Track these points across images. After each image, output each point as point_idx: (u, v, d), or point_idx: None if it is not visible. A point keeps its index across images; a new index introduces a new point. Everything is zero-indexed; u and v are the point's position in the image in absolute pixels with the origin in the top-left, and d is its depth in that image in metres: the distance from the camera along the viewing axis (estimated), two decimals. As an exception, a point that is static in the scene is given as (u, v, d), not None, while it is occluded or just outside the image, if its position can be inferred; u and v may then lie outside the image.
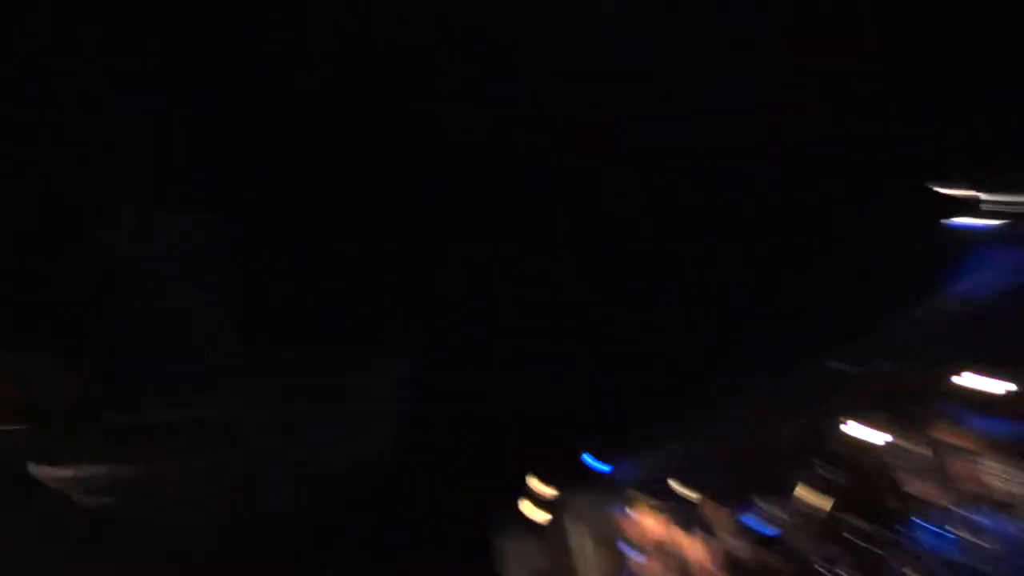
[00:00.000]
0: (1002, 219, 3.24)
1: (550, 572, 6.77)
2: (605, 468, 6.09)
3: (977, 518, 3.56)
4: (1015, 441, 2.87)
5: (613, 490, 6.67)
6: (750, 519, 6.03)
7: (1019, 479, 2.81)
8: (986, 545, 3.67)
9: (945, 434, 3.11)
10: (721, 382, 4.92)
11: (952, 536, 4.02)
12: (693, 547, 4.47)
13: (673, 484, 6.59)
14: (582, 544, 6.52)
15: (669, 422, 5.58)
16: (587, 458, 6.21)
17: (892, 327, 4.17)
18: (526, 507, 6.30)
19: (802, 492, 5.65)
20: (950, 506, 4.25)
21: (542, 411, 5.69)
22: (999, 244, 3.33)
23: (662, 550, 5.28)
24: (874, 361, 4.87)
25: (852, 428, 5.37)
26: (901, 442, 5.33)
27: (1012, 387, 3.15)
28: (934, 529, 4.25)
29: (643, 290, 4.61)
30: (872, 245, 3.77)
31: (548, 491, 6.24)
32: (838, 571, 4.87)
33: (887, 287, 3.97)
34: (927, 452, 5.01)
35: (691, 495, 6.51)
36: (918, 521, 4.71)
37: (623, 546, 5.74)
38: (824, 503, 5.32)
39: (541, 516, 6.26)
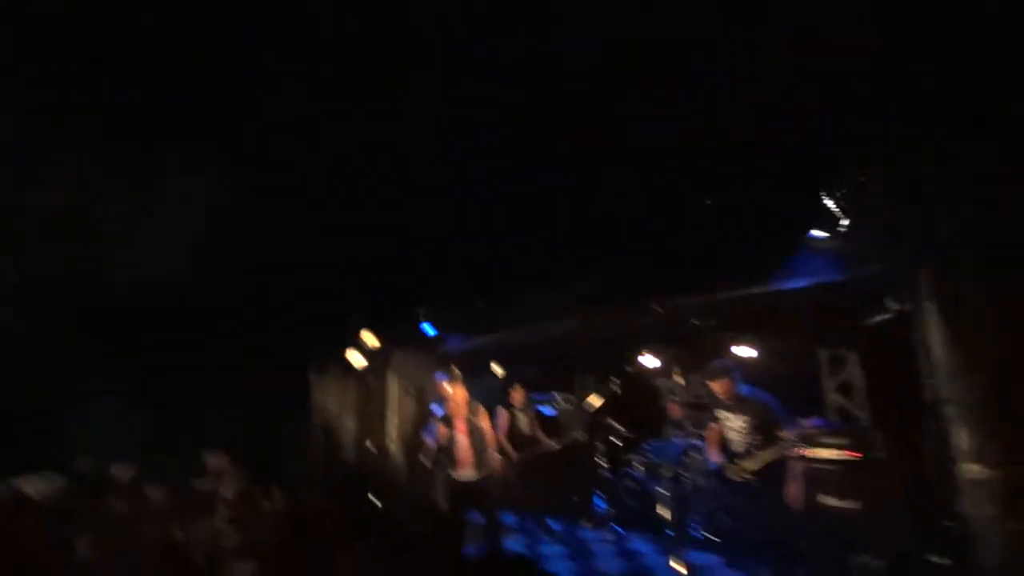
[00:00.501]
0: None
1: (357, 410, 7.31)
2: (433, 334, 6.42)
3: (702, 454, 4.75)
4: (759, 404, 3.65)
5: (437, 356, 7.19)
6: (543, 406, 7.15)
7: (747, 436, 3.59)
8: (698, 479, 4.93)
9: (714, 383, 3.86)
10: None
11: (680, 459, 5.32)
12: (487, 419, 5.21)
13: (493, 364, 7.37)
14: (396, 393, 7.09)
15: (499, 307, 5.94)
16: (423, 325, 6.44)
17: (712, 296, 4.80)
18: (351, 354, 6.46)
19: (586, 391, 6.80)
20: (690, 438, 5.59)
21: (381, 273, 5.67)
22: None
23: (461, 415, 5.95)
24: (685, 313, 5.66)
25: (645, 357, 6.42)
26: (678, 377, 6.62)
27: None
28: (674, 449, 5.59)
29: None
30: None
31: (374, 342, 6.44)
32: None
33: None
34: (694, 390, 6.38)
35: (500, 373, 7.39)
36: (662, 442, 6.15)
37: (433, 405, 6.33)
38: (597, 402, 6.48)
39: (362, 363, 6.52)
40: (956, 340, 2.95)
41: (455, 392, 4.52)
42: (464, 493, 4.27)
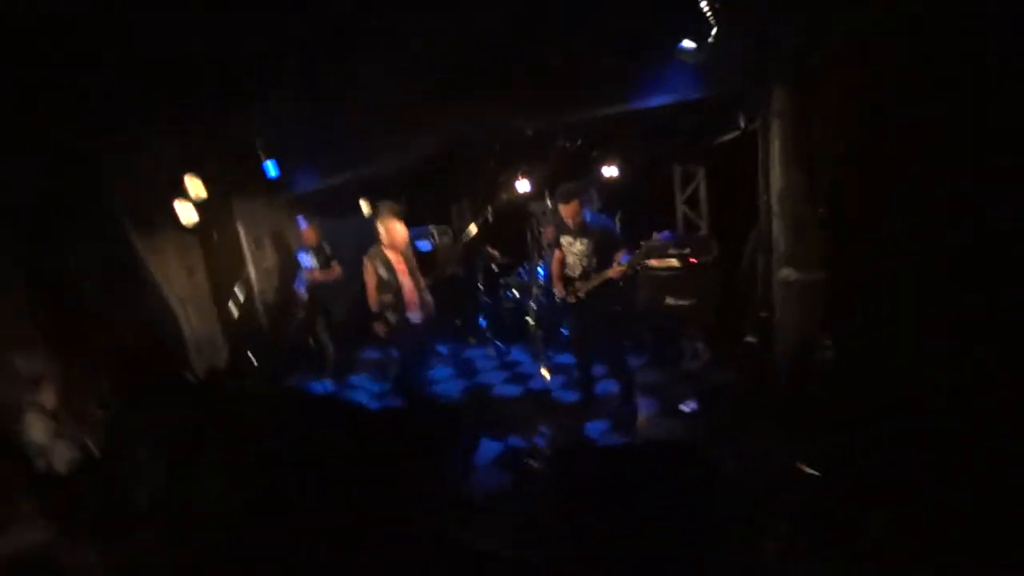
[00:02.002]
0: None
1: (207, 269, 6.49)
2: (277, 174, 5.55)
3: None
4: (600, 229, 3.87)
5: (288, 199, 6.38)
6: (419, 240, 6.98)
7: (584, 259, 3.85)
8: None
9: (564, 206, 3.90)
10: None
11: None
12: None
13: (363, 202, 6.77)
14: (249, 245, 6.34)
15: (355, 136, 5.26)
16: (264, 164, 5.49)
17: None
18: (181, 207, 5.40)
19: (463, 221, 6.73)
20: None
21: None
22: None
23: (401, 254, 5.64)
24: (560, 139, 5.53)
25: (519, 181, 6.34)
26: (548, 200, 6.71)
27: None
28: (544, 268, 5.95)
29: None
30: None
31: (202, 191, 5.40)
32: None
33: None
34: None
35: (367, 211, 6.90)
36: (534, 263, 6.48)
37: (300, 254, 5.83)
38: (474, 231, 6.50)
39: (191, 217, 5.51)
40: (793, 160, 3.23)
41: (396, 229, 4.06)
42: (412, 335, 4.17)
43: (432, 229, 7.10)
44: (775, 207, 3.34)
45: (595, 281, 3.66)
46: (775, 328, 3.39)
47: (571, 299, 3.83)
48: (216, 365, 6.39)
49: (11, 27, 2.94)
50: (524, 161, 6.14)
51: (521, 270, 6.35)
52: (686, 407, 3.54)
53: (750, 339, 3.83)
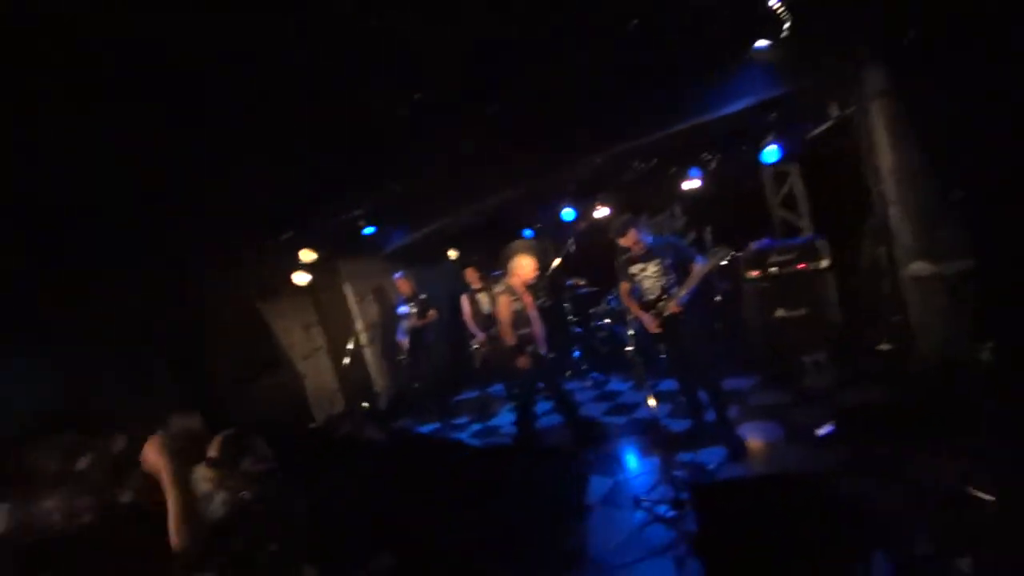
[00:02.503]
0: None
1: (320, 323, 7.13)
2: (373, 231, 6.02)
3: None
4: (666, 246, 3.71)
5: (384, 255, 6.88)
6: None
7: (662, 278, 3.68)
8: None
9: (623, 239, 3.76)
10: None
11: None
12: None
13: (449, 251, 7.13)
14: (354, 301, 6.89)
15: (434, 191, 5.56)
16: (363, 228, 6.01)
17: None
18: (295, 276, 6.05)
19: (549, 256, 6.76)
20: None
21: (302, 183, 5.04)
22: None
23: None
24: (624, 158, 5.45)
25: (596, 210, 6.30)
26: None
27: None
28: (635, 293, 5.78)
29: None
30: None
31: (312, 256, 6.00)
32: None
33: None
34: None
35: (454, 257, 7.22)
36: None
37: (398, 305, 6.21)
38: (555, 262, 6.50)
39: (305, 280, 6.13)
40: (898, 141, 2.89)
41: (527, 264, 4.05)
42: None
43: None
44: (891, 194, 2.98)
45: (677, 296, 3.52)
46: (913, 332, 2.96)
47: (658, 322, 3.67)
48: (333, 413, 6.90)
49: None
50: (598, 188, 6.13)
51: (611, 298, 6.22)
52: (823, 431, 3.13)
53: (884, 347, 3.37)
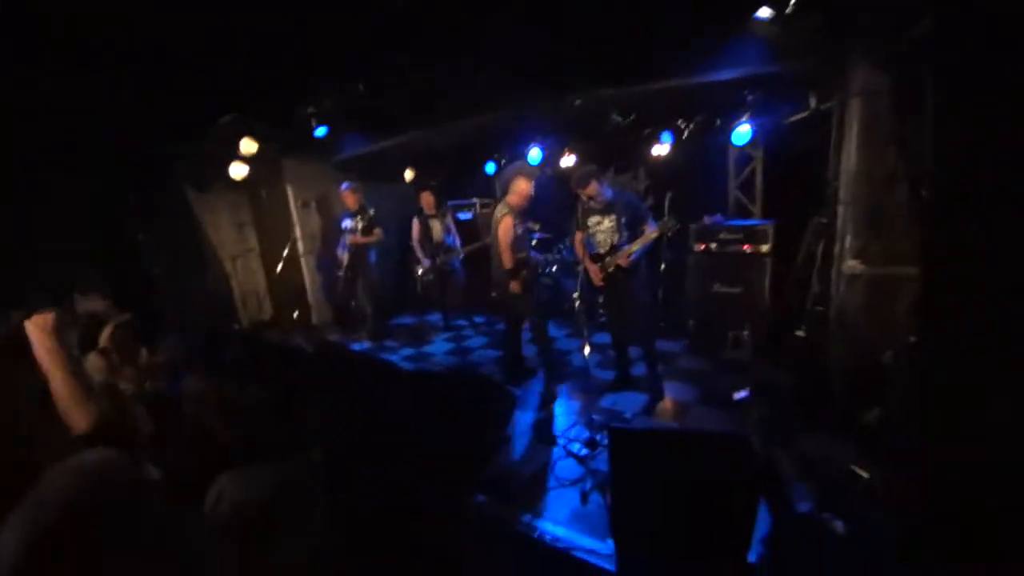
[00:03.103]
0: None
1: (255, 224, 6.68)
2: (323, 133, 5.58)
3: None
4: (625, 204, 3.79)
5: (334, 163, 6.43)
6: (462, 212, 6.97)
7: (614, 234, 3.78)
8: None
9: (586, 189, 3.76)
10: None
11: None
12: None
13: (407, 171, 6.78)
14: (296, 206, 6.47)
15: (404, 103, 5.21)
16: (315, 127, 5.54)
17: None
18: (233, 167, 5.54)
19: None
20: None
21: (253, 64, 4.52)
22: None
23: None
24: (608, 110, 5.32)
25: (564, 157, 6.18)
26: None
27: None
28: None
29: None
30: None
31: (253, 147, 5.51)
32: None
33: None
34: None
35: (410, 177, 6.90)
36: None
37: (342, 217, 5.92)
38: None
39: (242, 173, 5.66)
40: (870, 142, 2.99)
41: (527, 189, 3.91)
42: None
43: (476, 201, 7.05)
44: (844, 194, 3.12)
45: (626, 253, 3.62)
46: (830, 324, 3.21)
47: (603, 275, 3.77)
48: (260, 318, 6.63)
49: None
50: (570, 134, 5.98)
51: (562, 247, 6.25)
52: (739, 395, 3.40)
53: (800, 333, 3.66)
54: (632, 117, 5.42)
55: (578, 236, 3.97)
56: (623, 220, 3.74)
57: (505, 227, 3.84)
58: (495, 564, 2.31)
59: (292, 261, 6.30)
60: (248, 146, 5.50)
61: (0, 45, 2.97)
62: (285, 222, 6.42)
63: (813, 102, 4.03)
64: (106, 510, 0.86)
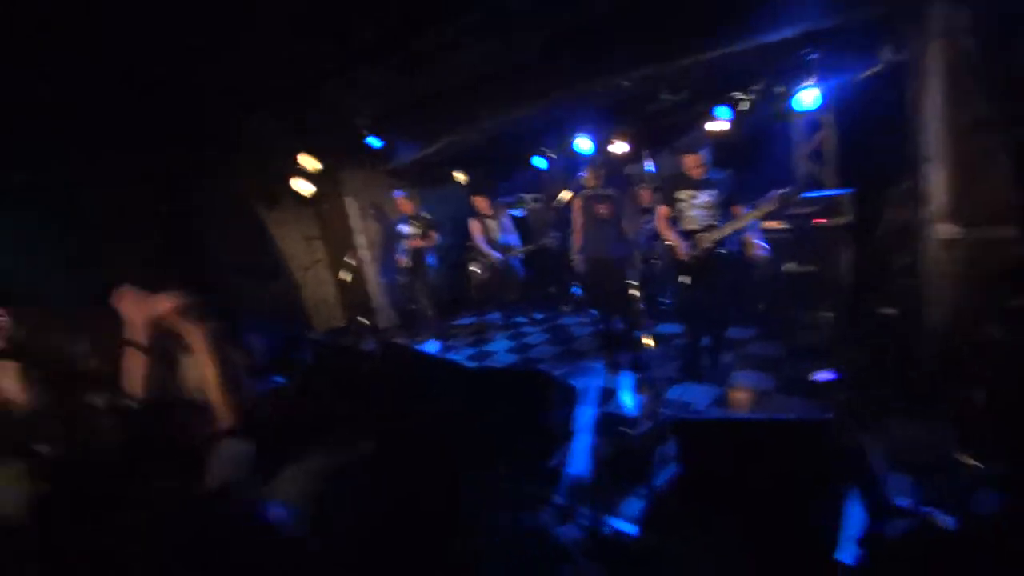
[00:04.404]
0: None
1: (321, 236, 7.05)
2: (379, 146, 5.79)
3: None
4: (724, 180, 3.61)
5: (388, 171, 6.64)
6: (513, 208, 6.98)
7: (710, 211, 3.59)
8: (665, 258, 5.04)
9: (687, 157, 3.64)
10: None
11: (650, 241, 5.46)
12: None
13: (455, 172, 6.90)
14: (357, 216, 6.75)
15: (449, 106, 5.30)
16: (367, 138, 5.75)
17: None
18: (296, 183, 5.89)
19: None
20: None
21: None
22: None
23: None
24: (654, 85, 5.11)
25: (613, 144, 6.01)
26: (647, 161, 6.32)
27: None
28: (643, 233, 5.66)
29: None
30: None
31: (316, 165, 5.83)
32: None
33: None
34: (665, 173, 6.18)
35: (462, 180, 7.00)
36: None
37: (399, 223, 6.10)
38: (567, 196, 6.35)
39: (309, 189, 6.01)
40: (957, 89, 2.65)
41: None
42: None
43: (525, 196, 7.04)
44: (929, 151, 2.79)
45: (722, 233, 3.45)
46: (923, 299, 2.88)
47: (694, 254, 3.58)
48: (333, 325, 7.00)
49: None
50: (620, 118, 5.80)
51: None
52: (821, 376, 3.13)
53: (887, 311, 3.32)
54: (684, 94, 5.16)
55: (662, 211, 3.79)
56: (721, 198, 3.54)
57: (579, 210, 4.31)
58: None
59: (356, 269, 6.58)
60: (310, 163, 5.83)
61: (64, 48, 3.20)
62: (347, 232, 6.72)
63: (887, 54, 3.64)
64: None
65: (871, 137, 4.11)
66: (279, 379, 3.09)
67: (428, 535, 1.51)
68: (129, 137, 4.28)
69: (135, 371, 1.36)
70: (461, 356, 5.51)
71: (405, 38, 4.17)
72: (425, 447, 2.30)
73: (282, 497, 1.18)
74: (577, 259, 5.24)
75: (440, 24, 3.98)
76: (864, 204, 3.97)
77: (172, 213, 5.03)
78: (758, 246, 3.54)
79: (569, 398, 3.26)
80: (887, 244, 3.43)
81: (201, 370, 1.37)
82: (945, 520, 1.44)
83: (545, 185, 7.46)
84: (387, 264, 6.79)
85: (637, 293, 5.14)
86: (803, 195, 4.45)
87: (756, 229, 3.60)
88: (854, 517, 1.59)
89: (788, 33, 3.57)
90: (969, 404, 2.16)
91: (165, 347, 1.43)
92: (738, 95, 5.00)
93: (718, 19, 3.73)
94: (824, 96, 4.34)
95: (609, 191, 5.20)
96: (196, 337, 1.39)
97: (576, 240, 5.21)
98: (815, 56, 4.15)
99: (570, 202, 5.27)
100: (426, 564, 1.28)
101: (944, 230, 2.65)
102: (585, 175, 4.98)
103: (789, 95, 4.51)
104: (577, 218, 5.15)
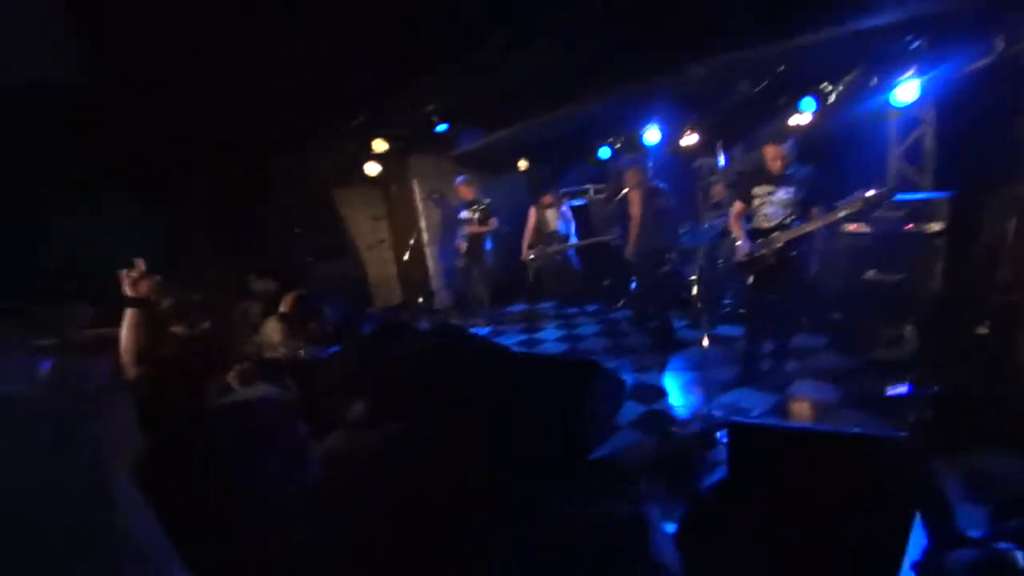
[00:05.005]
0: None
1: (387, 217, 7.32)
2: (445, 129, 5.91)
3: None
4: (807, 178, 3.37)
5: (454, 157, 6.76)
6: (576, 199, 6.93)
7: (788, 208, 3.39)
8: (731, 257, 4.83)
9: (768, 148, 3.43)
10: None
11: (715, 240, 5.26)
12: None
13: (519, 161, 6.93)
14: (421, 200, 6.95)
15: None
16: (436, 124, 5.89)
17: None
18: (368, 166, 6.15)
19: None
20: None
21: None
22: None
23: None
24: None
25: (685, 136, 5.80)
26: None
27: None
28: (711, 230, 5.45)
29: None
30: None
31: (384, 146, 6.03)
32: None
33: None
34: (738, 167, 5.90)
35: (524, 167, 7.02)
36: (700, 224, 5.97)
37: (461, 209, 6.22)
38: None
39: (377, 170, 6.25)
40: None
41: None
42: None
43: (589, 188, 6.95)
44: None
45: (796, 232, 3.26)
46: (1022, 320, 2.59)
47: (763, 253, 3.41)
48: (391, 303, 7.29)
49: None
50: (693, 108, 5.57)
51: (683, 231, 5.88)
52: (896, 391, 2.90)
53: (983, 330, 3.01)
54: (764, 83, 4.87)
55: (738, 207, 3.63)
56: (799, 196, 3.33)
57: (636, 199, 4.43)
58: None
59: (418, 251, 6.79)
60: (379, 145, 6.05)
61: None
62: (412, 214, 6.94)
63: (1000, 44, 3.25)
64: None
65: (976, 137, 3.69)
66: (338, 348, 3.30)
67: (464, 518, 1.56)
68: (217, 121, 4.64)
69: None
70: (511, 341, 5.57)
71: (479, 35, 4.22)
72: (468, 429, 2.37)
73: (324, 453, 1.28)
74: (631, 251, 5.16)
75: (509, 25, 3.98)
76: (962, 210, 3.60)
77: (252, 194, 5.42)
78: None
79: (617, 391, 3.24)
80: (986, 256, 3.09)
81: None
82: (1020, 558, 1.30)
83: (611, 176, 7.32)
84: (446, 248, 6.96)
85: (695, 290, 4.99)
86: (895, 197, 4.11)
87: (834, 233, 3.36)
88: (919, 543, 1.48)
89: (888, 18, 3.27)
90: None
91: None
92: (827, 86, 4.66)
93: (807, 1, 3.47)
94: (925, 90, 3.95)
95: (662, 185, 5.11)
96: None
97: (632, 233, 5.12)
98: (917, 45, 3.78)
99: (626, 195, 5.18)
100: (461, 544, 1.33)
101: (1057, 243, 2.36)
102: (634, 168, 4.97)
103: (886, 88, 4.14)
104: (636, 211, 5.05)
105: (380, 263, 7.30)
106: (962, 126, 4.01)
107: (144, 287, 1.85)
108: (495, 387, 2.85)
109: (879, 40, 3.61)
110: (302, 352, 2.92)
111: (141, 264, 1.86)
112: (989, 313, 3.01)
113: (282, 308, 3.08)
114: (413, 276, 7.07)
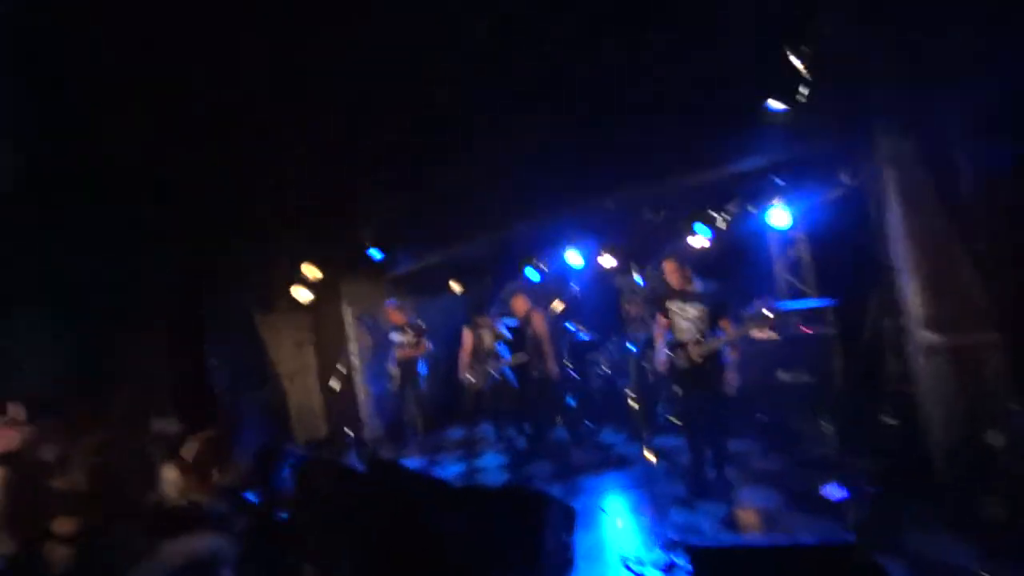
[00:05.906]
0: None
1: (314, 342, 7.02)
2: (380, 258, 6.01)
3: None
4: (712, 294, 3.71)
5: (387, 281, 6.83)
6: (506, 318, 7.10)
7: (699, 323, 3.65)
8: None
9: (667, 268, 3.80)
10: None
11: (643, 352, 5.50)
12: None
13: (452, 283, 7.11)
14: (352, 324, 6.79)
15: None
16: (369, 250, 6.00)
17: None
18: (296, 290, 6.01)
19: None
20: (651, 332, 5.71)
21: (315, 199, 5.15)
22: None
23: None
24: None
25: (602, 257, 6.31)
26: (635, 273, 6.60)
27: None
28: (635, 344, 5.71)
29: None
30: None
31: (317, 275, 5.98)
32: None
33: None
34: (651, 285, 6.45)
35: (458, 290, 7.19)
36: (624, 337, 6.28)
37: (392, 332, 6.12)
38: (560, 307, 6.52)
39: (307, 297, 6.10)
40: (912, 207, 2.90)
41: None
42: None
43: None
44: (901, 261, 2.97)
45: (713, 345, 3.50)
46: (919, 407, 2.87)
47: (685, 364, 3.59)
48: (316, 436, 6.67)
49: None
50: (607, 235, 6.16)
51: (610, 345, 6.12)
52: (830, 492, 2.97)
53: (888, 420, 3.27)
54: (663, 213, 5.57)
55: (661, 321, 3.87)
56: (708, 311, 3.65)
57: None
58: None
59: (346, 377, 6.46)
60: (312, 272, 6.00)
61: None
62: (341, 339, 6.71)
63: (846, 179, 4.03)
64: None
65: (842, 252, 4.38)
66: (251, 496, 2.91)
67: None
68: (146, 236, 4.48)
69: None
70: (450, 471, 5.22)
71: (407, 159, 4.60)
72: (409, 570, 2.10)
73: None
74: (552, 369, 5.32)
75: (440, 150, 4.42)
76: (845, 314, 4.11)
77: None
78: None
79: (568, 520, 3.05)
80: (874, 353, 3.49)
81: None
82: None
83: (539, 296, 7.64)
84: (378, 373, 6.69)
85: (636, 405, 5.08)
86: (782, 305, 4.62)
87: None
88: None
89: (755, 164, 3.99)
90: (989, 516, 2.05)
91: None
92: (714, 214, 5.42)
93: (693, 151, 4.18)
94: (794, 215, 4.71)
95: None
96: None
97: (546, 351, 5.33)
98: (781, 182, 4.59)
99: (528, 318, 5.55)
100: None
101: (925, 337, 2.73)
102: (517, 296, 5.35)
103: (762, 214, 4.89)
104: (541, 329, 5.35)
105: (304, 392, 6.82)
106: (829, 243, 4.76)
107: (15, 438, 1.59)
108: (436, 526, 2.60)
109: (749, 179, 4.34)
110: (203, 502, 2.55)
111: (18, 410, 1.62)
112: (889, 403, 3.30)
113: (182, 453, 2.71)
114: (341, 404, 6.62)
